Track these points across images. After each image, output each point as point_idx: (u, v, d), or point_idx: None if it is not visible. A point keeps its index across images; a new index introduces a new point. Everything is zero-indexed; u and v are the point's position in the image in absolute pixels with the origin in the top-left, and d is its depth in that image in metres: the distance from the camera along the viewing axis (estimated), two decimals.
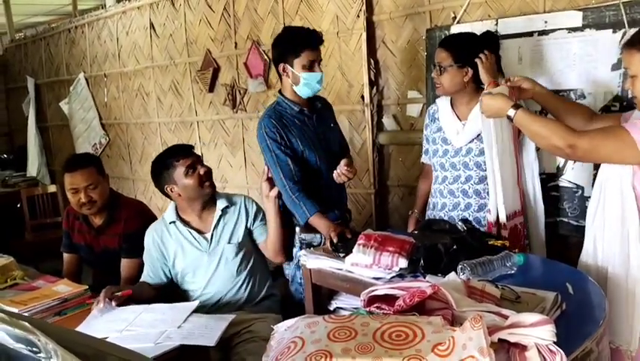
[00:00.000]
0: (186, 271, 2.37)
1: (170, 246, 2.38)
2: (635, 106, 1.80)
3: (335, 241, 2.08)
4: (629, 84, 1.74)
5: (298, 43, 2.28)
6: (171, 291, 2.45)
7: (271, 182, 2.31)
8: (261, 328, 2.18)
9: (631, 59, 1.69)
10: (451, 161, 2.34)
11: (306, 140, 2.37)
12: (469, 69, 2.24)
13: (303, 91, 2.34)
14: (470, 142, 2.28)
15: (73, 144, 5.90)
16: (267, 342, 2.06)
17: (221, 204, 2.39)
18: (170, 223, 2.39)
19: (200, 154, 2.42)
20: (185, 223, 2.39)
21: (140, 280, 2.44)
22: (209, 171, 2.36)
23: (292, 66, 2.29)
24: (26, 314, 1.99)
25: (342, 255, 1.94)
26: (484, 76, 2.17)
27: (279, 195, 2.31)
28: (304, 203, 2.27)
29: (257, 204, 2.47)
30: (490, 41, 2.30)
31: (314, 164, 2.38)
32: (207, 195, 2.36)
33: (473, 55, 2.22)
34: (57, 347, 0.70)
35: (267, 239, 2.37)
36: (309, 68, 2.28)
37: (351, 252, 1.86)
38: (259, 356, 1.99)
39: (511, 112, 1.82)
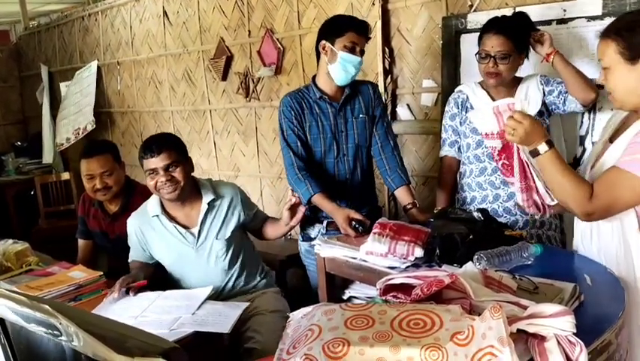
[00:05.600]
0: (174, 268, 2.31)
1: (152, 240, 2.30)
2: (613, 104, 1.64)
3: (353, 224, 2.10)
4: (602, 79, 1.59)
5: (345, 24, 2.29)
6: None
7: (293, 210, 2.20)
8: (264, 301, 2.21)
9: (605, 49, 1.54)
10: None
11: (317, 129, 2.37)
12: (524, 53, 2.19)
13: (338, 73, 2.29)
14: None
15: (56, 123, 5.94)
16: (274, 314, 2.10)
17: (207, 197, 2.26)
18: (152, 217, 2.27)
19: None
20: (171, 218, 2.27)
21: (129, 260, 2.39)
22: (170, 180, 2.15)
23: (333, 44, 2.27)
24: None
25: (360, 229, 2.05)
26: (546, 49, 2.13)
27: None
28: (309, 181, 2.27)
29: (242, 193, 2.37)
30: (530, 21, 2.22)
31: (318, 154, 2.39)
32: (168, 199, 2.22)
33: (528, 38, 2.17)
34: (78, 330, 0.70)
35: (269, 232, 2.40)
36: (350, 50, 2.26)
37: (367, 228, 1.95)
38: (269, 325, 2.02)
39: (544, 147, 1.55)
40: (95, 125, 5.44)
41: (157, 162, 2.14)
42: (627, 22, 1.53)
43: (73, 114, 5.71)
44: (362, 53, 2.30)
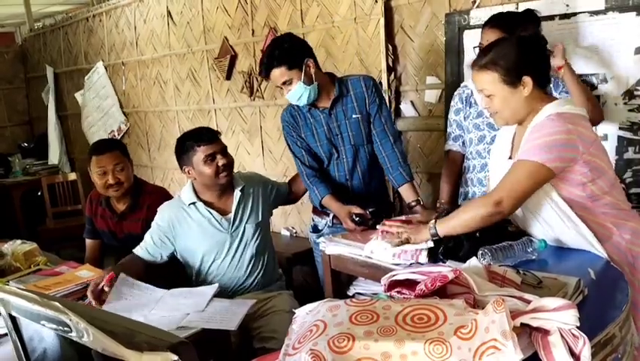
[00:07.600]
0: (206, 256, 2.37)
1: (187, 229, 2.36)
2: (497, 123, 1.81)
3: (353, 217, 2.23)
4: (487, 104, 1.73)
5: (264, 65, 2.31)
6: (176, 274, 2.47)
7: None
8: (279, 302, 2.29)
9: (484, 78, 1.68)
10: None
11: (313, 138, 2.43)
12: None
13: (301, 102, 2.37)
14: None
15: (84, 133, 5.94)
16: (291, 314, 2.13)
17: (238, 185, 2.42)
18: (189, 205, 2.37)
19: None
20: (207, 204, 2.38)
21: (134, 250, 2.39)
22: (228, 163, 2.34)
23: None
24: None
25: (359, 221, 2.19)
26: (558, 61, 2.10)
27: None
28: (317, 186, 2.39)
29: (260, 176, 2.63)
30: (536, 19, 2.19)
31: (319, 161, 2.46)
32: (223, 185, 2.36)
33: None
34: (88, 326, 0.71)
35: (297, 184, 2.60)
36: (288, 84, 2.30)
37: (368, 222, 2.14)
38: (286, 326, 2.04)
39: (432, 229, 1.72)
40: (128, 124, 5.47)
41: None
42: (500, 53, 1.67)
43: (100, 119, 5.72)
44: (289, 82, 2.27)
